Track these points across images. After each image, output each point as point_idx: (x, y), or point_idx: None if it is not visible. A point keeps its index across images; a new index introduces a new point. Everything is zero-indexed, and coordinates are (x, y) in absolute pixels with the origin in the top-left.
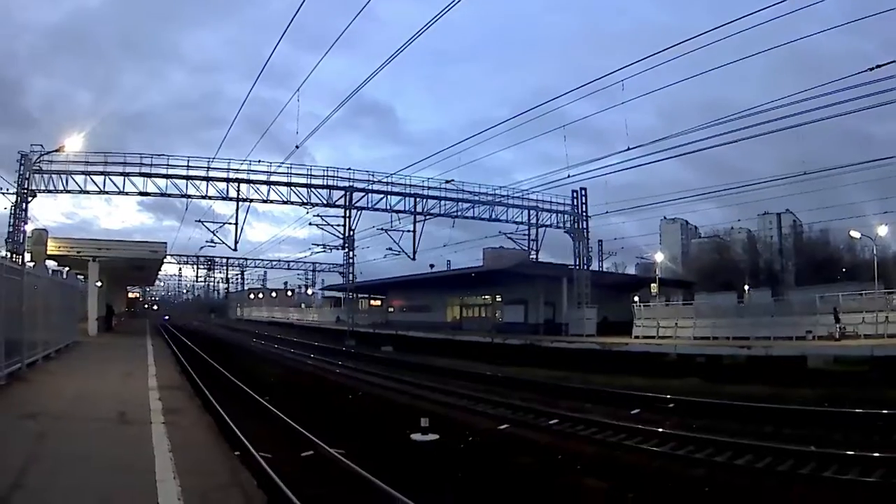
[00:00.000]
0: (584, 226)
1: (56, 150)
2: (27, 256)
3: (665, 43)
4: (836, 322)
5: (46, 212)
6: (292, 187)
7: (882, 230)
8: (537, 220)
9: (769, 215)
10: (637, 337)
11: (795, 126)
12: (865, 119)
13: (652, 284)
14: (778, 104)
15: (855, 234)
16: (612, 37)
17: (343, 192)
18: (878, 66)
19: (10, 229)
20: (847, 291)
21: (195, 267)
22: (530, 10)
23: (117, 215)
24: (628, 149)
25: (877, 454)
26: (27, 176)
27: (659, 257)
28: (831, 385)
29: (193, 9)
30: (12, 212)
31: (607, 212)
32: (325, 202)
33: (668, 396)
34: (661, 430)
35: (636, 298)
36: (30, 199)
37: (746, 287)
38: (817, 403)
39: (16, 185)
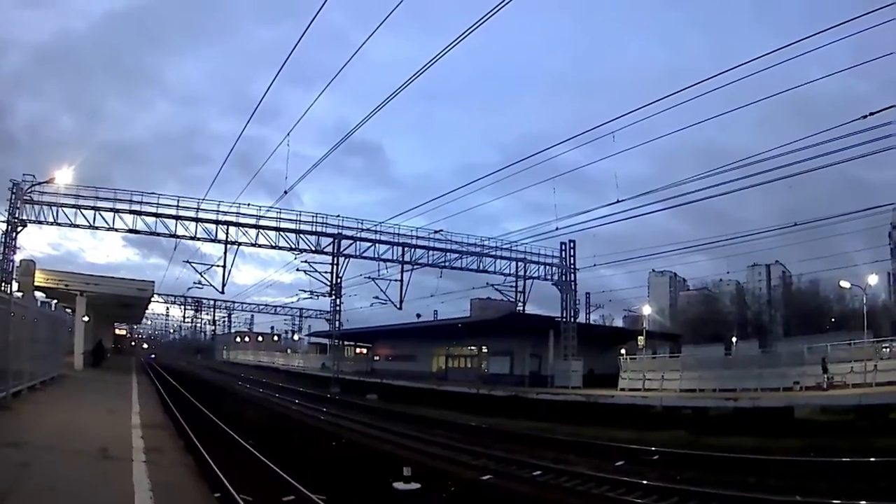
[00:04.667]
0: (572, 278)
1: (47, 182)
2: (15, 286)
3: (657, 87)
4: (823, 372)
5: (33, 241)
6: (281, 232)
7: (872, 280)
8: (525, 271)
9: (758, 267)
10: (623, 389)
11: (791, 176)
12: (861, 166)
13: (639, 337)
14: (773, 153)
15: (845, 284)
16: (604, 80)
17: (331, 240)
18: (872, 114)
19: (0, 258)
20: (836, 341)
21: (182, 307)
22: (520, 53)
23: (103, 249)
24: (618, 201)
25: (863, 502)
26: (17, 205)
27: (647, 310)
28: (818, 435)
29: (178, 37)
30: (2, 241)
31: (595, 265)
32: (313, 248)
33: (653, 448)
34: (645, 482)
35: (623, 351)
36: (20, 228)
37: (734, 339)
38: (803, 453)
39: (6, 213)
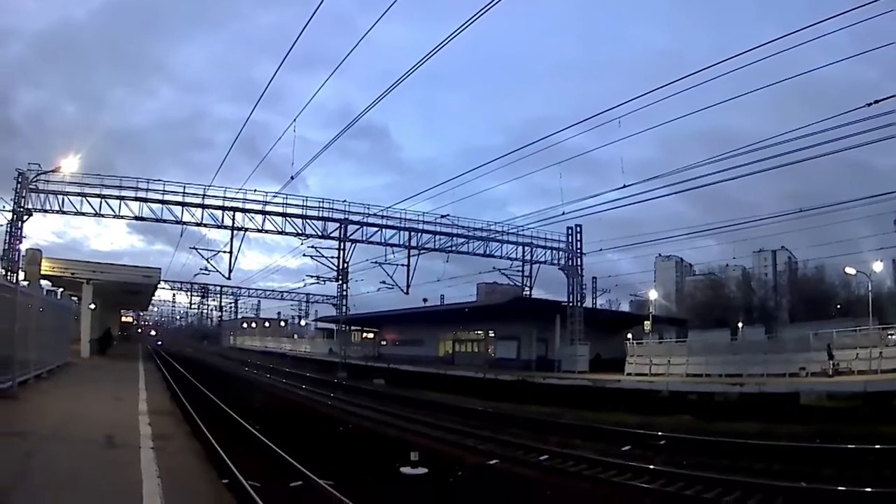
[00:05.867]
0: (579, 263)
1: (53, 171)
2: (21, 275)
3: (664, 71)
4: (829, 359)
5: (38, 230)
6: (287, 218)
7: (877, 266)
8: (532, 256)
9: (764, 252)
10: (629, 374)
11: (798, 162)
12: (868, 152)
13: (645, 322)
14: (780, 139)
15: (850, 270)
16: (610, 63)
17: (338, 225)
18: (876, 102)
19: (6, 248)
20: (841, 328)
21: (189, 294)
22: (525, 37)
23: (107, 236)
24: (624, 186)
25: (869, 489)
26: (23, 194)
27: (653, 295)
28: (824, 421)
29: (180, 22)
30: (8, 230)
31: (601, 249)
32: (319, 234)
33: (660, 433)
34: (651, 466)
35: (629, 335)
36: (25, 217)
37: (740, 324)
38: (809, 440)
39: (12, 202)
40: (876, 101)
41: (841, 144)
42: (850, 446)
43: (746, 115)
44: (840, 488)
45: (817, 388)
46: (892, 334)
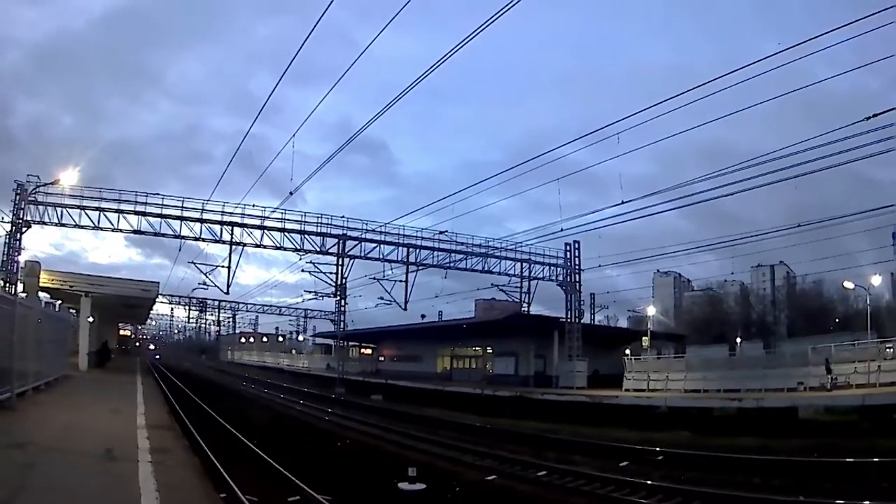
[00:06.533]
0: (577, 279)
1: (52, 183)
2: (20, 287)
3: (662, 85)
4: (827, 373)
5: (35, 241)
6: (286, 233)
7: (876, 280)
8: (530, 272)
9: (762, 267)
10: (628, 390)
11: (799, 176)
12: (868, 165)
13: (644, 337)
14: (781, 153)
15: (848, 284)
16: (609, 78)
17: (336, 240)
18: (875, 115)
19: (5, 259)
20: (839, 342)
21: (187, 308)
22: (525, 51)
23: (105, 249)
24: (622, 202)
25: (867, 502)
26: (22, 206)
27: (651, 310)
28: (822, 435)
29: (177, 34)
30: (7, 241)
31: (600, 265)
32: (318, 249)
33: (658, 449)
34: (649, 482)
35: (627, 351)
36: (24, 229)
37: (738, 339)
38: (807, 454)
39: (11, 214)
40: (875, 115)
41: (841, 158)
42: (848, 460)
43: (746, 129)
44: (838, 502)
45: (816, 403)
46: (890, 348)
